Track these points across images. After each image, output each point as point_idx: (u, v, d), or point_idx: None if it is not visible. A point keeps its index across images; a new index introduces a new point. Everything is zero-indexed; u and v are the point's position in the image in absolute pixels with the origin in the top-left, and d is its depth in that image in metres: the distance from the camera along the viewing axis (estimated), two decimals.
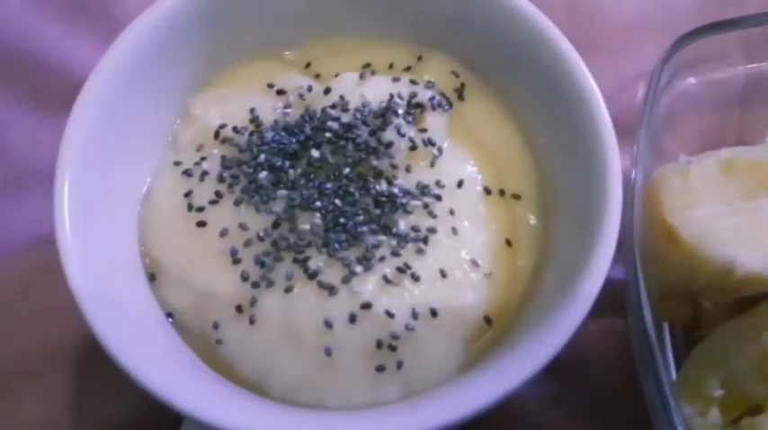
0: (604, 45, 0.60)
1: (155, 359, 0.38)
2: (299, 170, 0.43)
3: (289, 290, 0.40)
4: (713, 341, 0.45)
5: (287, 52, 0.50)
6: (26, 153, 0.56)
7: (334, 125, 0.44)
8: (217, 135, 0.45)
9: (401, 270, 0.41)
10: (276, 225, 0.42)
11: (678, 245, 0.44)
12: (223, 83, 0.49)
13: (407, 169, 0.45)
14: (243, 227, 0.42)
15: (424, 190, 0.44)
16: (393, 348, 0.40)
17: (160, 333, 0.41)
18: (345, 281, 0.40)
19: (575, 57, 0.43)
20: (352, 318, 0.40)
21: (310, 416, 0.39)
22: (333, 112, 0.45)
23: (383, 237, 0.42)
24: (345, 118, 0.44)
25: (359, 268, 0.41)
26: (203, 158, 0.45)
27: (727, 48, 0.53)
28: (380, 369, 0.40)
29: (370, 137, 0.44)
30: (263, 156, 0.43)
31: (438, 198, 0.44)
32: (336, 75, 0.48)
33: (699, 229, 0.43)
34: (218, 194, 0.43)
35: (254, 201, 0.42)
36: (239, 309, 0.41)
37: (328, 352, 0.39)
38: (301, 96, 0.47)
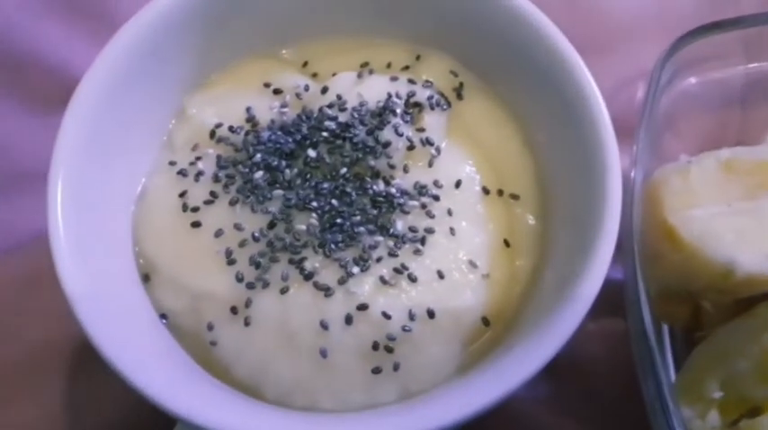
0: (604, 44, 0.60)
1: (148, 361, 0.38)
2: (296, 170, 0.43)
3: (284, 291, 0.40)
4: (713, 342, 0.44)
5: (284, 51, 0.50)
6: (21, 152, 0.55)
7: (332, 124, 0.44)
8: (212, 134, 0.45)
9: (398, 271, 0.41)
10: (272, 225, 0.41)
11: (678, 245, 0.43)
12: (219, 82, 0.48)
13: (405, 169, 0.44)
14: (238, 227, 0.42)
15: (421, 190, 0.43)
16: (390, 350, 0.39)
17: (154, 334, 0.41)
18: (342, 282, 0.40)
19: (574, 56, 0.42)
20: (349, 320, 0.39)
21: (306, 419, 0.39)
22: (330, 112, 0.44)
23: (380, 238, 0.41)
24: (342, 117, 0.44)
25: (355, 269, 0.40)
26: (198, 158, 0.44)
27: (728, 47, 0.52)
28: (377, 371, 0.39)
29: (368, 136, 0.44)
30: (258, 156, 0.43)
31: (436, 198, 0.43)
32: (334, 74, 0.47)
33: (699, 230, 0.43)
34: (214, 194, 0.43)
35: (250, 201, 0.42)
36: (234, 310, 0.40)
37: (324, 353, 0.39)
38: (298, 95, 0.46)
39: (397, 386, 0.40)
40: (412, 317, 0.40)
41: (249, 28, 0.48)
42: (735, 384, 0.42)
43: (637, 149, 0.47)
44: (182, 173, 0.44)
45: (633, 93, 0.56)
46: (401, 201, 0.43)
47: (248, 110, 0.46)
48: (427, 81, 0.48)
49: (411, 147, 0.44)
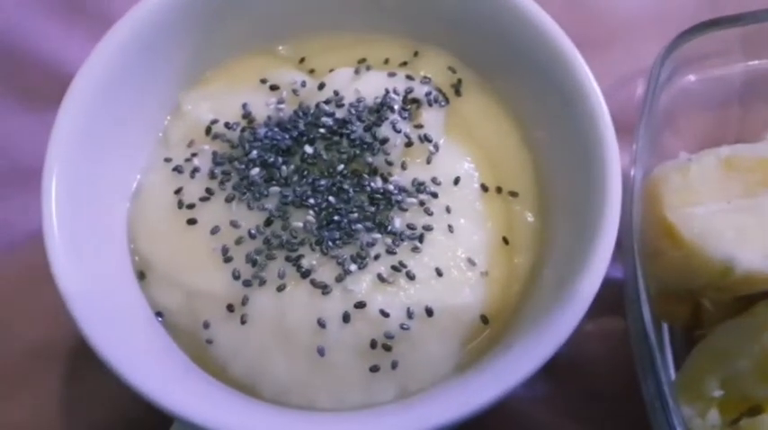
0: (604, 41, 0.60)
1: (144, 359, 0.37)
2: (293, 166, 0.43)
3: (281, 288, 0.40)
4: (713, 341, 0.44)
5: (281, 47, 0.50)
6: (16, 150, 0.55)
7: (329, 121, 0.43)
8: (208, 131, 0.45)
9: (396, 268, 0.40)
10: (268, 222, 0.41)
11: (678, 242, 0.43)
12: (215, 78, 0.48)
13: (403, 166, 0.44)
14: (234, 224, 0.41)
15: (419, 187, 0.43)
16: (388, 348, 0.39)
17: (150, 332, 0.40)
18: (339, 279, 0.40)
19: (574, 53, 0.42)
20: (346, 318, 0.39)
21: (303, 418, 0.38)
22: (327, 108, 0.44)
23: (378, 235, 0.41)
24: (340, 113, 0.44)
25: (353, 266, 0.40)
26: (194, 155, 0.44)
27: (727, 44, 0.52)
28: (375, 369, 0.39)
29: (365, 133, 0.43)
30: (255, 153, 0.43)
31: (434, 195, 0.43)
32: (331, 70, 0.47)
33: (699, 227, 0.43)
34: (209, 191, 0.43)
35: (246, 198, 0.42)
36: (230, 308, 0.40)
37: (321, 352, 0.39)
38: (295, 92, 0.46)
39: (395, 384, 0.39)
40: (410, 315, 0.40)
41: (245, 24, 0.47)
42: (735, 383, 0.42)
43: (636, 147, 0.47)
44: (177, 169, 0.44)
45: (633, 90, 0.56)
46: (399, 198, 0.42)
47: (244, 106, 0.45)
48: (425, 77, 0.47)
49: (409, 144, 0.44)
